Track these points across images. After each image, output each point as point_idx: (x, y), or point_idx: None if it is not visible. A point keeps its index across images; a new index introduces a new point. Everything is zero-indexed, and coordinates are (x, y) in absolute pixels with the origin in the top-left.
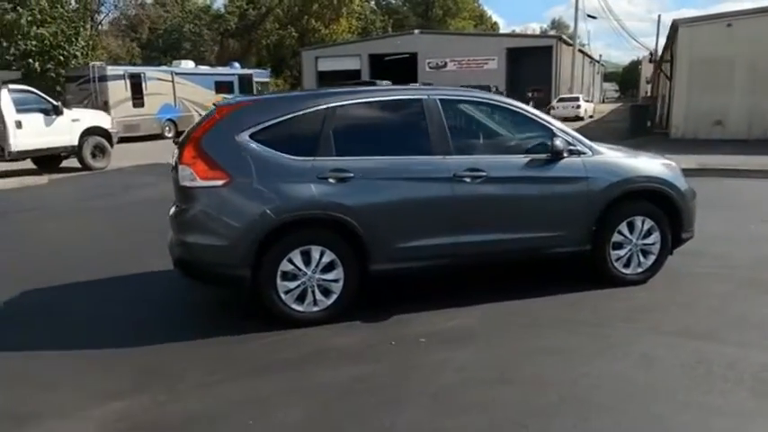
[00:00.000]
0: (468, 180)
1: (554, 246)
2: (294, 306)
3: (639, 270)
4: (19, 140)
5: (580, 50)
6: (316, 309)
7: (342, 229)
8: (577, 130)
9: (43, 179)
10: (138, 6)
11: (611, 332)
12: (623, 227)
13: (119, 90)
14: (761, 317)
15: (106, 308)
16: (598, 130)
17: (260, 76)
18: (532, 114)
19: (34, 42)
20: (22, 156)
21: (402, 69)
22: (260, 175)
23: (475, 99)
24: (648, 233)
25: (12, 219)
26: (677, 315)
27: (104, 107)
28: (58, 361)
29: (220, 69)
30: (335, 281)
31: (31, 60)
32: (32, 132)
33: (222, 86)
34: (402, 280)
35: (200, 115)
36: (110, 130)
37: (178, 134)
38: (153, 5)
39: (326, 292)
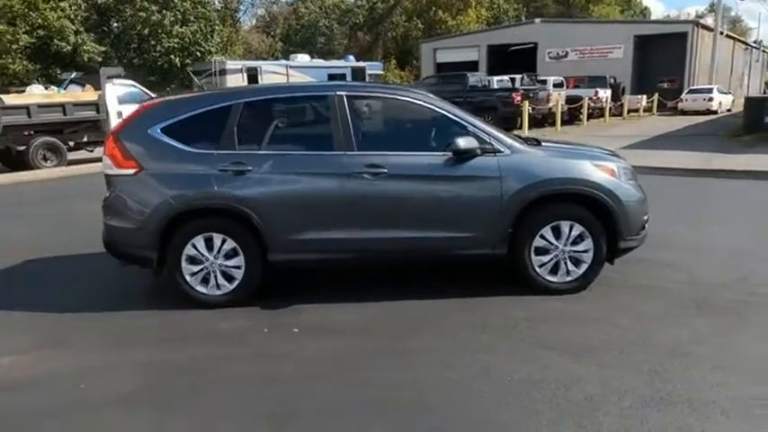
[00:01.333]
0: (367, 177)
1: (463, 247)
2: (199, 288)
3: (568, 279)
4: None
5: (729, 36)
6: (218, 292)
7: (241, 219)
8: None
9: None
10: (274, 4)
11: (485, 339)
12: (547, 231)
13: (235, 82)
14: (666, 341)
15: (78, 278)
16: (706, 126)
17: (373, 68)
18: (446, 111)
19: (176, 40)
20: None
21: (521, 60)
22: (166, 166)
23: (384, 95)
24: (578, 240)
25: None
26: (572, 330)
27: None
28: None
29: (334, 62)
30: (237, 267)
31: (172, 56)
32: None
33: (335, 78)
34: (303, 271)
35: None
36: None
37: None
38: (292, 2)
39: (229, 278)
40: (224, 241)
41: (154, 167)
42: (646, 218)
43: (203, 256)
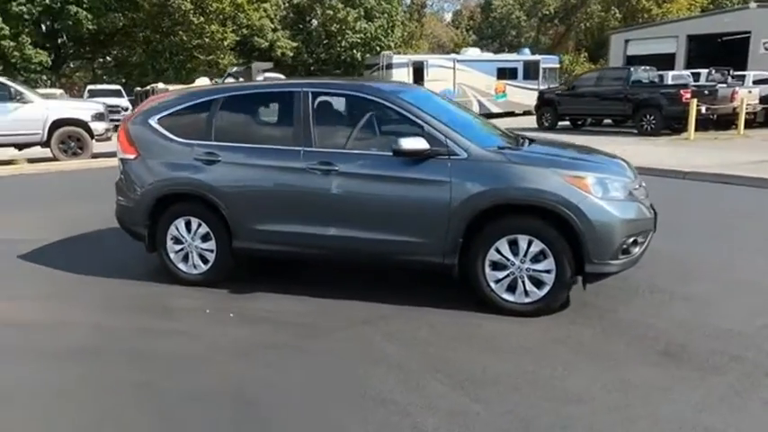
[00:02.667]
0: (318, 173)
1: (410, 253)
2: (180, 266)
3: (526, 300)
4: None
5: None
6: (195, 272)
7: (210, 206)
8: None
9: None
10: None
11: (385, 351)
12: (502, 245)
13: (401, 76)
14: (573, 389)
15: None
16: None
17: (549, 61)
18: (404, 109)
19: (359, 35)
20: None
21: (730, 52)
22: (156, 154)
23: (346, 93)
24: (540, 257)
25: None
26: (479, 356)
27: None
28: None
29: (505, 56)
30: (210, 251)
31: (354, 51)
32: None
33: (505, 72)
34: (265, 259)
35: (478, 100)
36: None
37: None
38: None
39: (204, 260)
40: (199, 225)
41: (149, 154)
42: (631, 240)
43: (183, 237)
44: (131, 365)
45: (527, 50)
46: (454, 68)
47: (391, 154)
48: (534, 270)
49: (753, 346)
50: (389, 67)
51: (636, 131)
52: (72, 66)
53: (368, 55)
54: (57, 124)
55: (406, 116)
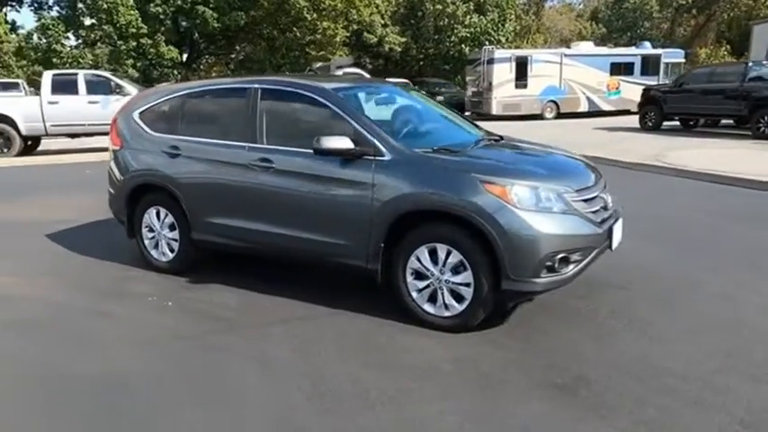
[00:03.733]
0: (258, 169)
1: (336, 255)
2: (152, 253)
3: (446, 314)
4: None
5: None
6: (164, 259)
7: (173, 197)
8: None
9: None
10: None
11: (270, 355)
12: (422, 253)
13: (503, 72)
14: (415, 416)
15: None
16: None
17: (672, 56)
18: (339, 108)
19: (469, 30)
20: None
21: None
22: (135, 146)
23: (289, 90)
24: (459, 269)
25: None
26: (346, 366)
27: (488, 88)
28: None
29: (620, 50)
30: (175, 240)
31: (463, 46)
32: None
33: (619, 68)
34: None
35: (587, 97)
36: None
37: (559, 115)
38: None
39: (171, 248)
40: (166, 215)
41: (129, 146)
42: (559, 257)
43: (154, 226)
44: (49, 342)
45: (647, 44)
46: (561, 64)
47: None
48: (453, 283)
49: (678, 391)
50: (491, 62)
51: (750, 134)
52: (208, 61)
53: (476, 49)
54: None
55: (340, 115)
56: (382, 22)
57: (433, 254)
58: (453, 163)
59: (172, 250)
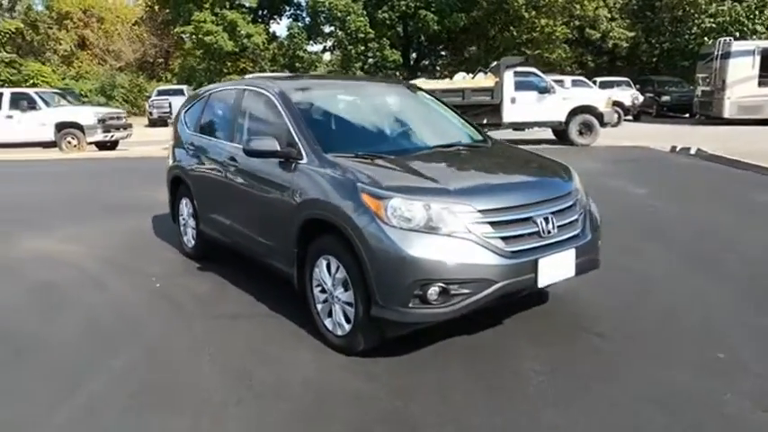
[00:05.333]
0: (230, 168)
1: (268, 256)
2: (183, 239)
3: (339, 333)
4: (511, 114)
5: None
6: (189, 246)
7: (190, 191)
8: None
9: None
10: None
11: (161, 343)
12: (321, 263)
13: (742, 67)
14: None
15: None
16: None
17: None
18: (283, 108)
19: (715, 20)
20: (512, 126)
21: None
22: (178, 141)
23: (257, 90)
24: (346, 285)
25: None
26: (202, 370)
27: (721, 87)
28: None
29: None
30: (194, 229)
31: (706, 38)
32: (524, 108)
33: None
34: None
35: None
36: (601, 110)
37: None
38: None
39: (193, 236)
40: (187, 205)
41: (177, 142)
42: (434, 288)
43: (183, 214)
44: (44, 296)
45: None
46: None
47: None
48: (342, 301)
49: None
50: (726, 56)
51: None
52: (434, 63)
53: (710, 42)
54: None
55: (283, 115)
56: (608, 15)
57: (330, 266)
58: (346, 171)
59: (194, 238)
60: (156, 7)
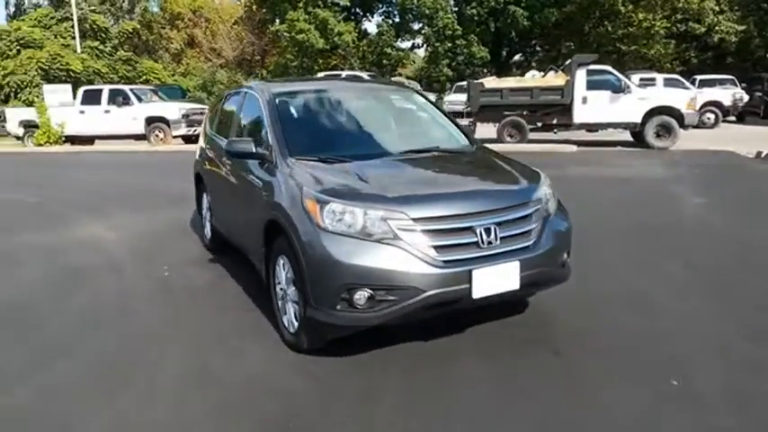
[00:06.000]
0: (227, 166)
1: (251, 253)
2: (204, 231)
3: (291, 330)
4: (582, 115)
5: None
6: (208, 238)
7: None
8: None
9: (572, 148)
10: None
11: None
12: (279, 262)
13: None
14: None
15: None
16: None
17: None
18: (265, 110)
19: None
20: (584, 127)
21: None
22: (202, 137)
23: (250, 92)
24: (296, 284)
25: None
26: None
27: None
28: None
29: None
30: (209, 221)
31: None
32: (596, 108)
33: None
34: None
35: None
36: (682, 111)
37: None
38: None
39: (208, 229)
40: (205, 200)
41: (202, 138)
42: (362, 293)
43: (203, 209)
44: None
45: None
46: None
47: None
48: (291, 299)
49: None
50: None
51: None
52: (530, 60)
53: None
54: None
55: (264, 117)
56: (715, 8)
57: (285, 266)
58: (298, 175)
59: (210, 231)
60: (254, 7)
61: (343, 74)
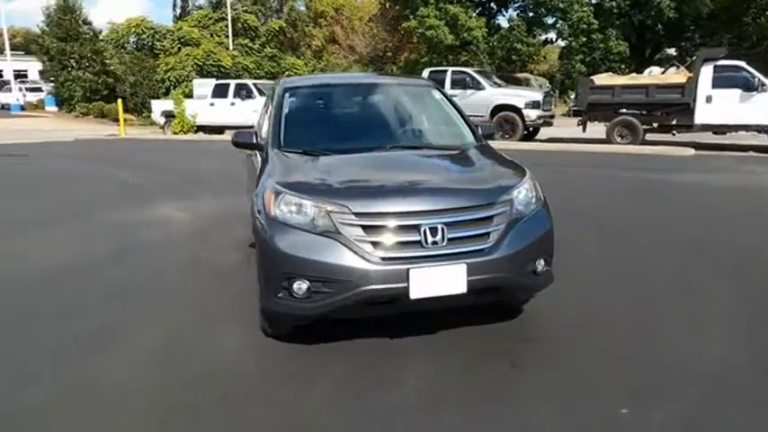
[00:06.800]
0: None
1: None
2: None
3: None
4: (705, 115)
5: None
6: None
7: None
8: None
9: (688, 151)
10: None
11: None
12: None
13: None
14: None
15: None
16: None
17: None
18: (273, 103)
19: None
20: (709, 129)
21: None
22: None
23: (274, 86)
24: None
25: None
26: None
27: None
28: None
29: None
30: None
31: None
32: (722, 108)
33: None
34: None
35: None
36: None
37: None
38: None
39: None
40: None
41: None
42: (301, 283)
43: None
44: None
45: None
46: None
47: None
48: None
49: None
50: None
51: None
52: (687, 53)
53: None
54: (498, 109)
55: (271, 109)
56: None
57: None
58: (274, 165)
59: None
60: (388, 4)
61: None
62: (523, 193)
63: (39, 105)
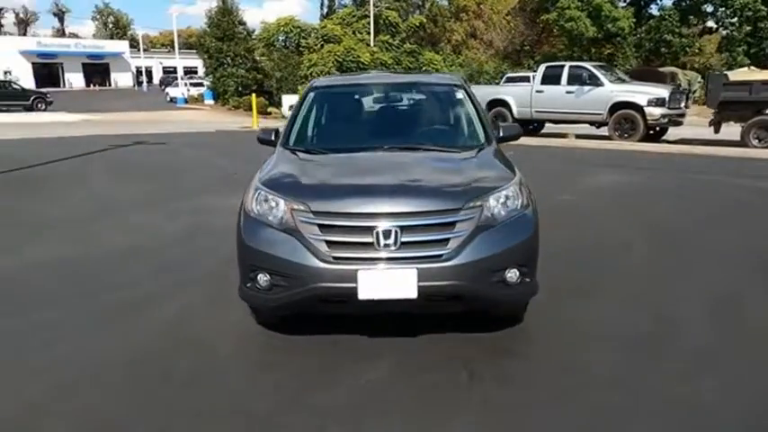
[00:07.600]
0: None
1: None
2: None
3: None
4: None
5: None
6: None
7: None
8: None
9: None
10: None
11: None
12: None
13: None
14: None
15: None
16: None
17: None
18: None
19: None
20: None
21: None
22: None
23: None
24: None
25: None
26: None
27: None
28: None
29: None
30: None
31: None
32: None
33: None
34: None
35: None
36: None
37: None
38: None
39: None
40: None
41: None
42: (260, 274)
43: None
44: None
45: None
46: None
47: None
48: None
49: None
50: None
51: None
52: None
53: None
54: (616, 107)
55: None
56: None
57: None
58: (271, 162)
59: None
60: None
61: None
62: (502, 199)
63: (199, 99)
